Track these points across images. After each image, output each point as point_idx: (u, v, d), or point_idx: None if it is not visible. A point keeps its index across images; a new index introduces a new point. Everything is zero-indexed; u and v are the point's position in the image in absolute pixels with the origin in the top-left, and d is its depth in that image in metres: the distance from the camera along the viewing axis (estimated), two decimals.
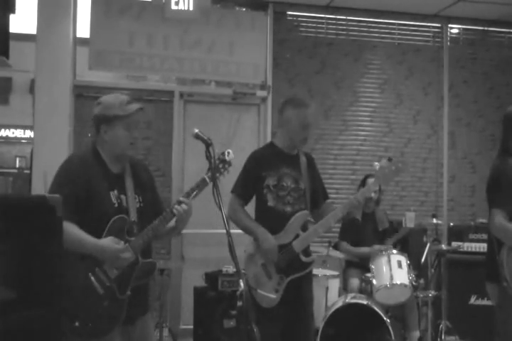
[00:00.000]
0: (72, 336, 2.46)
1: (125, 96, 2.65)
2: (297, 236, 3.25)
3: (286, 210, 3.29)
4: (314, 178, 3.45)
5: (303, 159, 3.41)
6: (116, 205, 2.58)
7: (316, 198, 3.43)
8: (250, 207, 3.46)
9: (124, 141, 2.61)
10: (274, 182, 3.29)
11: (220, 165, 2.61)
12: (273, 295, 3.20)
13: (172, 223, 2.66)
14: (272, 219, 3.28)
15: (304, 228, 3.30)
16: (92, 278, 2.50)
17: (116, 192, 2.61)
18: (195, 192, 2.60)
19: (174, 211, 2.57)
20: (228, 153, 2.60)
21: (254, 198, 3.44)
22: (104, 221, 2.54)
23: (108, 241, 2.50)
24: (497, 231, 2.92)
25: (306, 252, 3.30)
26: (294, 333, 3.29)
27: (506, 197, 2.89)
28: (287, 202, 3.29)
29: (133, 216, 2.61)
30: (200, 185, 2.58)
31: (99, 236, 2.51)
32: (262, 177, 3.29)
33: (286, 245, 3.24)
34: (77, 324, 2.44)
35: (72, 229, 2.43)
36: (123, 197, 2.62)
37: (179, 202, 2.59)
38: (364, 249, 4.86)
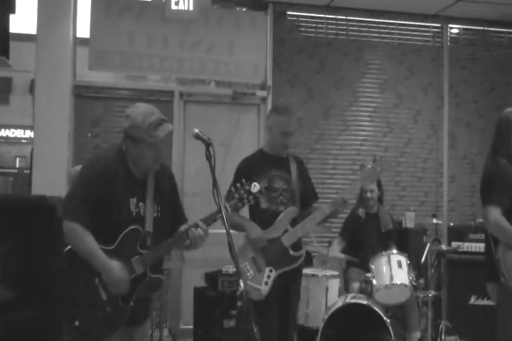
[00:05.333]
0: (71, 335, 2.47)
1: (155, 117, 2.51)
2: (286, 231, 3.36)
3: (280, 210, 3.41)
4: (304, 180, 3.57)
5: (292, 162, 3.55)
6: (134, 214, 2.55)
7: (306, 199, 3.56)
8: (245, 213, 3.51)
9: (148, 159, 2.57)
10: (265, 184, 3.37)
11: (245, 196, 2.58)
12: (262, 287, 3.28)
13: (187, 242, 2.62)
14: (267, 220, 3.38)
15: (294, 224, 3.40)
16: (99, 283, 2.49)
17: (135, 199, 2.56)
18: (214, 221, 2.54)
19: (190, 234, 2.54)
20: (255, 186, 2.58)
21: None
22: (119, 228, 2.51)
23: (116, 267, 2.47)
24: (492, 228, 2.91)
25: (296, 247, 3.40)
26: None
27: (500, 194, 2.89)
28: (280, 202, 3.42)
29: (148, 226, 2.57)
30: (220, 214, 2.43)
31: (110, 242, 2.49)
32: (253, 181, 3.36)
33: (276, 239, 3.34)
34: (76, 323, 2.45)
35: (86, 238, 2.44)
36: (141, 205, 2.58)
37: (196, 226, 2.55)
38: (347, 257, 4.80)
